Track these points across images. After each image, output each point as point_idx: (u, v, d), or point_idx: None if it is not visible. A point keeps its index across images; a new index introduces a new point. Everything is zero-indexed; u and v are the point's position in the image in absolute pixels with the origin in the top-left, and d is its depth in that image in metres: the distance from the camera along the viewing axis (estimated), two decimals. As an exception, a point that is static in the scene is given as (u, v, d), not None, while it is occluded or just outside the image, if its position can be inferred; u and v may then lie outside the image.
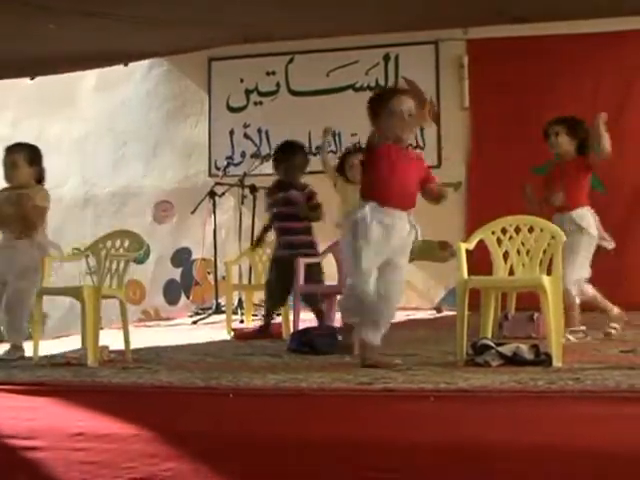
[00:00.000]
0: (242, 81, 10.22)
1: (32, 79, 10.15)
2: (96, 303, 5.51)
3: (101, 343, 5.56)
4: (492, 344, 4.93)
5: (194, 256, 10.20)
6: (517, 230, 5.38)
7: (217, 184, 9.09)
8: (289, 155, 6.97)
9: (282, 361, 5.39)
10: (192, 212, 9.11)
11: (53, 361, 5.39)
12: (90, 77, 10.68)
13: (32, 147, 6.16)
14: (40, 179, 6.10)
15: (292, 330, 6.25)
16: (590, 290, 6.25)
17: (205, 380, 4.49)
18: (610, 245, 6.31)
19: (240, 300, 8.45)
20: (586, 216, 6.21)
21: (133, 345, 5.70)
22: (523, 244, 5.39)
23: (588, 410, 3.61)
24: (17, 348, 5.71)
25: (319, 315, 6.74)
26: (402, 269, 5.03)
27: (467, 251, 5.13)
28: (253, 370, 4.89)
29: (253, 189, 8.77)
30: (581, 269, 6.12)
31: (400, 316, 7.21)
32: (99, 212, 10.61)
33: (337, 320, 6.52)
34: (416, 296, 8.71)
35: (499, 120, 9.27)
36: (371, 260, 4.87)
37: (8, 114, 10.88)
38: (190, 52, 9.84)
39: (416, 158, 5.33)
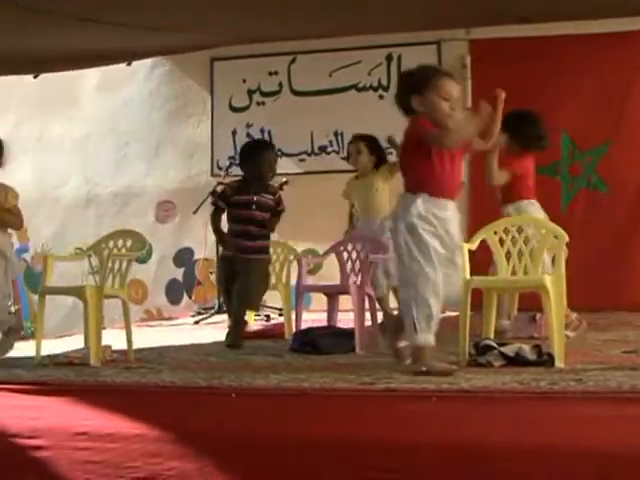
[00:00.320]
0: (244, 81, 10.21)
1: (35, 77, 10.14)
2: (99, 303, 5.52)
3: (104, 343, 5.57)
4: (494, 344, 4.93)
5: (196, 256, 10.19)
6: (519, 230, 5.38)
7: (219, 184, 9.08)
8: (262, 153, 6.59)
9: (284, 361, 5.40)
10: (194, 212, 9.10)
11: (56, 361, 5.40)
12: (92, 77, 10.68)
13: None
14: None
15: (294, 330, 6.25)
16: None
17: (208, 380, 4.50)
18: None
19: (242, 300, 8.44)
20: None
21: (135, 345, 5.71)
22: (525, 244, 5.39)
23: (590, 411, 3.61)
24: None
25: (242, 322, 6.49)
26: (460, 267, 4.78)
27: (469, 251, 5.14)
28: (255, 370, 4.90)
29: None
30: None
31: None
32: (101, 212, 10.61)
33: (340, 321, 6.52)
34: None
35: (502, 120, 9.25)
36: (437, 255, 4.60)
37: (10, 114, 10.87)
38: (192, 52, 9.84)
39: None
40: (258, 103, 10.21)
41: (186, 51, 9.75)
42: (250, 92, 10.22)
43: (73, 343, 6.27)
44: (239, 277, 6.38)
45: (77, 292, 5.74)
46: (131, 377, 4.72)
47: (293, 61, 10.07)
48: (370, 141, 6.99)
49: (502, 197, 6.47)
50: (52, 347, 5.94)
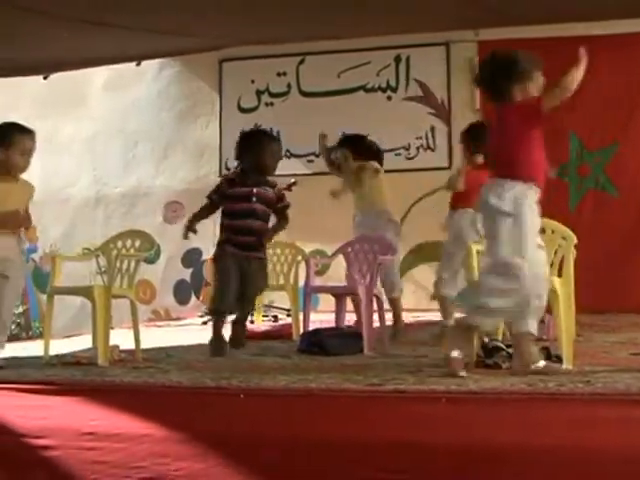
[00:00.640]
0: (253, 82, 10.23)
1: (45, 78, 10.16)
2: (107, 303, 5.53)
3: (111, 343, 5.58)
4: (503, 346, 4.92)
5: (204, 256, 10.20)
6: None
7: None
8: (263, 141, 6.19)
9: (292, 362, 5.40)
10: (202, 213, 9.11)
11: (64, 360, 5.40)
12: (101, 77, 10.71)
13: None
14: None
15: (302, 331, 6.25)
16: None
17: (215, 380, 4.50)
18: None
19: (250, 300, 8.44)
20: None
21: (143, 345, 5.71)
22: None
23: (598, 413, 3.60)
24: None
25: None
26: None
27: (478, 252, 5.13)
28: (263, 371, 4.89)
29: (264, 190, 8.77)
30: None
31: (410, 317, 7.23)
32: (110, 212, 10.63)
33: (348, 321, 6.53)
34: (427, 297, 8.69)
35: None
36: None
37: (19, 114, 10.85)
38: (201, 53, 9.85)
39: None
40: (267, 104, 10.23)
41: (195, 52, 9.76)
42: (259, 93, 10.24)
43: (81, 343, 6.27)
44: (248, 277, 6.01)
45: (85, 292, 5.74)
46: (139, 377, 4.72)
47: (302, 62, 10.09)
48: (354, 144, 6.93)
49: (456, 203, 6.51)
50: (60, 347, 5.95)
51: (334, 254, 6.74)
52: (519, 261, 4.45)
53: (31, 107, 10.87)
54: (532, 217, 4.57)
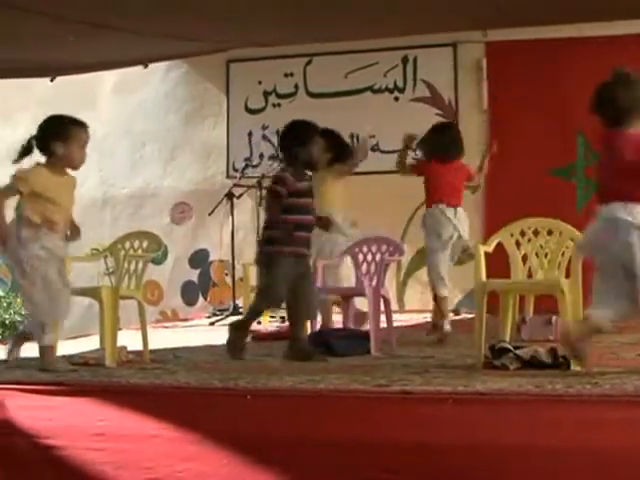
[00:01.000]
0: (260, 83, 10.23)
1: (52, 80, 10.18)
2: (114, 304, 5.53)
3: (119, 343, 5.58)
4: (510, 347, 4.92)
5: (212, 257, 10.21)
6: (535, 233, 5.37)
7: (235, 186, 9.11)
8: (318, 136, 5.94)
9: (299, 363, 5.39)
10: (210, 213, 9.13)
11: (71, 361, 5.41)
12: (109, 79, 10.72)
13: None
14: None
15: (309, 332, 6.24)
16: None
17: (223, 381, 4.50)
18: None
19: (257, 302, 8.45)
20: None
21: (151, 346, 5.72)
22: (542, 247, 5.38)
23: (606, 414, 3.60)
24: None
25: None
26: None
27: (485, 253, 5.13)
28: (270, 371, 4.90)
29: (271, 191, 8.78)
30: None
31: (418, 318, 7.24)
32: (117, 213, 10.64)
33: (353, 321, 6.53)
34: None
35: (517, 123, 9.25)
36: None
37: (28, 115, 10.90)
38: (208, 54, 9.86)
39: None
40: (274, 105, 10.23)
41: (202, 54, 9.77)
42: (266, 94, 10.24)
43: (89, 344, 6.28)
44: (305, 278, 5.80)
45: (93, 293, 5.75)
46: (146, 378, 4.72)
47: (309, 63, 10.09)
48: (329, 137, 6.82)
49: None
50: (68, 348, 5.96)
51: (341, 255, 6.74)
52: None
53: (39, 108, 10.88)
54: None
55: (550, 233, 5.39)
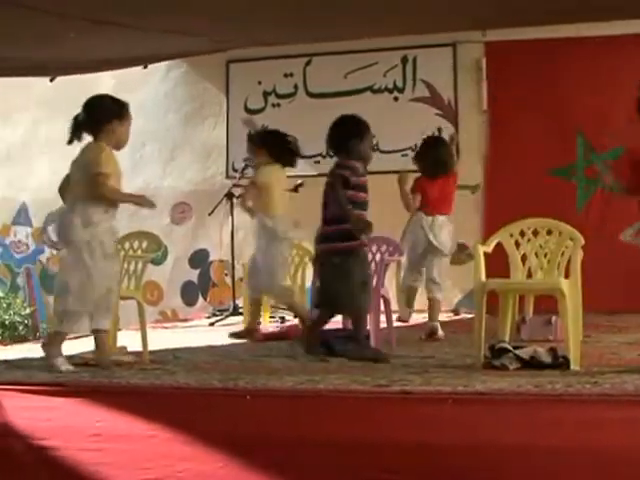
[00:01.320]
0: (260, 83, 10.23)
1: (52, 80, 10.18)
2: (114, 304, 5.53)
3: (119, 344, 5.58)
4: (510, 347, 4.92)
5: (211, 257, 10.21)
6: (535, 233, 5.37)
7: (235, 186, 9.10)
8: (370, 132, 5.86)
9: (299, 363, 5.39)
10: (210, 214, 9.12)
11: (71, 361, 5.40)
12: (108, 79, 10.70)
13: None
14: None
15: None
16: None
17: (222, 381, 4.50)
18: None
19: (257, 302, 8.45)
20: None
21: (150, 346, 5.71)
22: (541, 247, 5.38)
23: (606, 414, 3.60)
24: None
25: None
26: None
27: (485, 254, 5.13)
28: (270, 372, 4.90)
29: (270, 191, 8.78)
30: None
31: (417, 318, 7.23)
32: (117, 213, 10.62)
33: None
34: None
35: (517, 123, 9.25)
36: None
37: (27, 116, 10.92)
38: (208, 54, 9.85)
39: None
40: (273, 105, 10.23)
41: (201, 54, 9.77)
42: (265, 94, 10.23)
43: (89, 344, 6.28)
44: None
45: (93, 293, 5.74)
46: (146, 378, 4.72)
47: (308, 63, 10.08)
48: (276, 137, 6.95)
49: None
50: (68, 348, 5.95)
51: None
52: None
53: (39, 109, 10.90)
54: None
55: (549, 233, 5.38)
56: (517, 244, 5.38)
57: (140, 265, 5.75)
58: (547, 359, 4.79)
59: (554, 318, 5.91)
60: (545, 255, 5.46)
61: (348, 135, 5.70)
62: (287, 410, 3.93)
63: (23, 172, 10.96)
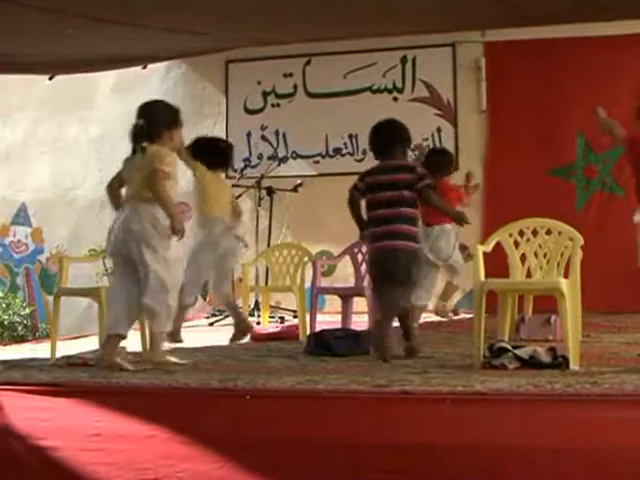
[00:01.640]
0: (259, 83, 10.24)
1: (51, 79, 10.18)
2: (113, 304, 5.52)
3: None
4: (509, 347, 4.92)
5: (211, 258, 10.20)
6: (534, 233, 5.37)
7: (234, 186, 9.09)
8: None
9: (299, 363, 5.39)
10: (209, 214, 9.11)
11: (70, 362, 5.40)
12: (108, 79, 10.71)
13: None
14: None
15: (309, 332, 6.25)
16: None
17: (222, 381, 4.50)
18: None
19: (257, 302, 8.45)
20: None
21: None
22: (540, 247, 5.38)
23: (606, 413, 3.60)
24: None
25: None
26: None
27: (484, 253, 5.13)
28: (270, 372, 4.89)
29: (270, 191, 8.79)
30: None
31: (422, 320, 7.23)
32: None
33: (355, 322, 6.52)
34: (432, 298, 8.71)
35: (516, 122, 9.25)
36: None
37: (27, 115, 10.93)
38: (207, 54, 9.85)
39: None
40: (273, 105, 10.23)
41: (201, 54, 9.76)
42: (265, 94, 10.24)
43: (88, 344, 6.28)
44: None
45: (92, 293, 5.75)
46: (145, 378, 4.72)
47: (308, 63, 10.09)
48: (214, 144, 7.05)
49: None
50: (67, 348, 5.96)
51: (340, 255, 6.75)
52: None
53: (38, 108, 10.90)
54: None
55: (549, 233, 5.38)
56: (516, 244, 5.38)
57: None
58: (546, 359, 4.79)
59: (553, 318, 5.92)
60: (544, 255, 5.46)
61: (400, 141, 5.82)
62: (287, 410, 3.93)
63: (22, 172, 10.97)
